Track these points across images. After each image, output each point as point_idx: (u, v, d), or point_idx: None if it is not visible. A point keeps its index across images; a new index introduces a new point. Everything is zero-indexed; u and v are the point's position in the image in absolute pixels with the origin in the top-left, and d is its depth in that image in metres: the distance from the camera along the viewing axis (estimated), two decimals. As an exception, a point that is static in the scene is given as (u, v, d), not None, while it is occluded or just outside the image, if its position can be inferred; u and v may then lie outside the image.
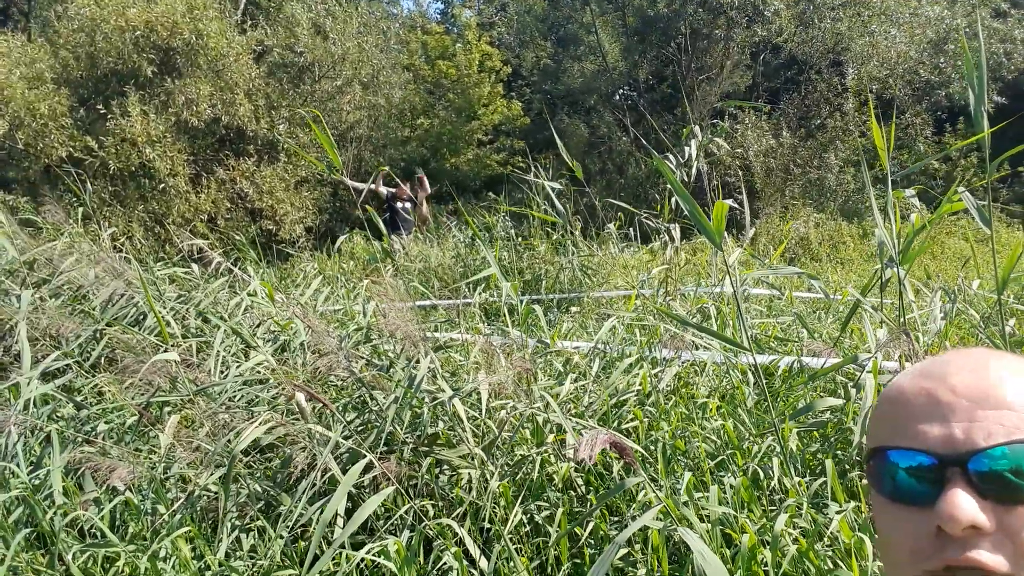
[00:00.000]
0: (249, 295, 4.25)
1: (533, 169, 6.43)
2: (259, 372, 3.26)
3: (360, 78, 12.43)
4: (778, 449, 2.39)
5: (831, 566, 1.89)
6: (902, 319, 2.76)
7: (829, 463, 2.17)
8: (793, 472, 2.29)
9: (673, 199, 5.61)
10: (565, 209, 5.90)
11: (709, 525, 2.02)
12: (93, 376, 3.38)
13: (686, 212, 2.10)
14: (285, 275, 8.00)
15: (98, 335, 3.66)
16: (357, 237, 9.89)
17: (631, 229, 7.85)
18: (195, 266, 4.92)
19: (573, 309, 5.28)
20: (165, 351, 3.05)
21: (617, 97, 17.02)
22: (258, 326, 3.96)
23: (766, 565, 1.89)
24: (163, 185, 9.40)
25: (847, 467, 2.41)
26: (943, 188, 12.42)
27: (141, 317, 3.97)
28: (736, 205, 3.47)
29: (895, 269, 2.70)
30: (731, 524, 2.08)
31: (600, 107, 16.82)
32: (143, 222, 9.42)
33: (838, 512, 1.99)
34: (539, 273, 6.20)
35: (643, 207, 7.37)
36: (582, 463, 2.48)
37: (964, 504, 0.52)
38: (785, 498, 2.18)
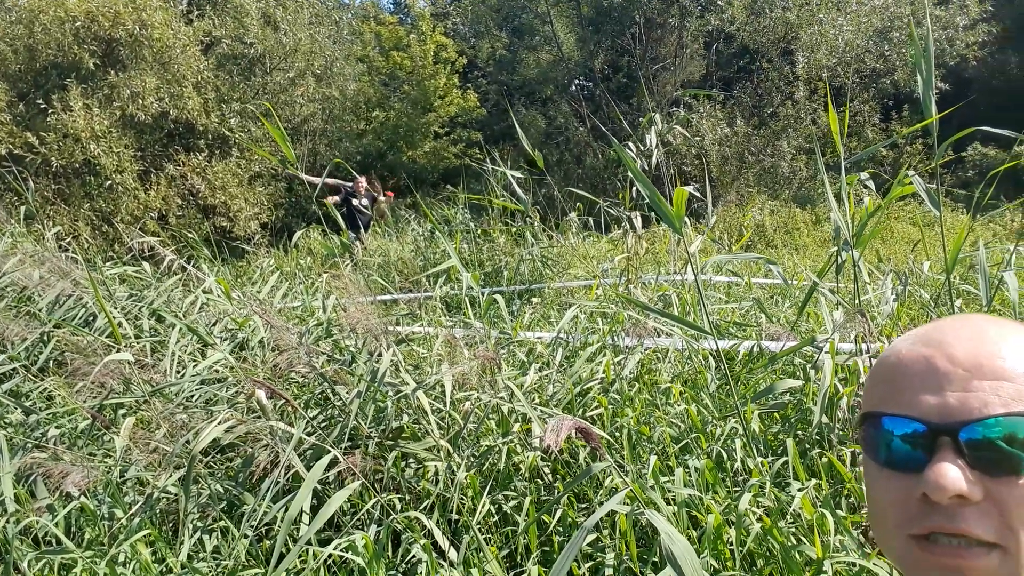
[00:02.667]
0: (204, 293, 4.15)
1: (491, 160, 6.41)
2: (217, 371, 3.19)
3: (313, 70, 12.21)
4: (741, 431, 2.42)
5: (794, 542, 1.93)
6: (857, 300, 2.83)
7: (790, 442, 2.21)
8: (756, 453, 2.33)
9: (634, 188, 5.65)
10: (525, 198, 5.90)
11: (675, 507, 2.04)
12: (42, 380, 3.26)
13: (646, 198, 2.11)
14: (241, 272, 7.84)
15: (45, 337, 3.53)
16: (314, 232, 9.75)
17: (590, 219, 7.89)
18: (146, 265, 4.79)
19: (535, 300, 5.29)
20: (118, 352, 2.96)
21: (573, 88, 17.06)
22: (215, 324, 3.87)
23: (731, 544, 1.92)
24: (110, 182, 9.11)
25: (807, 446, 2.46)
26: (891, 174, 12.77)
27: (91, 318, 3.85)
28: (696, 193, 3.50)
29: (850, 252, 2.76)
30: (697, 506, 2.11)
31: (556, 97, 16.84)
32: (89, 221, 9.13)
33: (800, 490, 2.03)
34: (500, 265, 6.19)
35: (602, 197, 7.41)
36: (549, 451, 2.49)
37: (951, 474, 0.52)
38: (748, 478, 2.21)
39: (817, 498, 2.07)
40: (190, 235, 7.59)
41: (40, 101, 8.79)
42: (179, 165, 10.12)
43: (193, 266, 5.50)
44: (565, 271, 6.22)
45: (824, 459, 2.30)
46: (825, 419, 2.45)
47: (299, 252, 8.73)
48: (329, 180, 9.00)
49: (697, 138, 12.54)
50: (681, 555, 1.54)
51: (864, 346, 2.76)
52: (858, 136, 13.55)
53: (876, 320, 3.35)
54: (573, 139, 15.73)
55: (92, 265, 4.84)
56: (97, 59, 9.16)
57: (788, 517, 2.03)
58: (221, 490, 2.46)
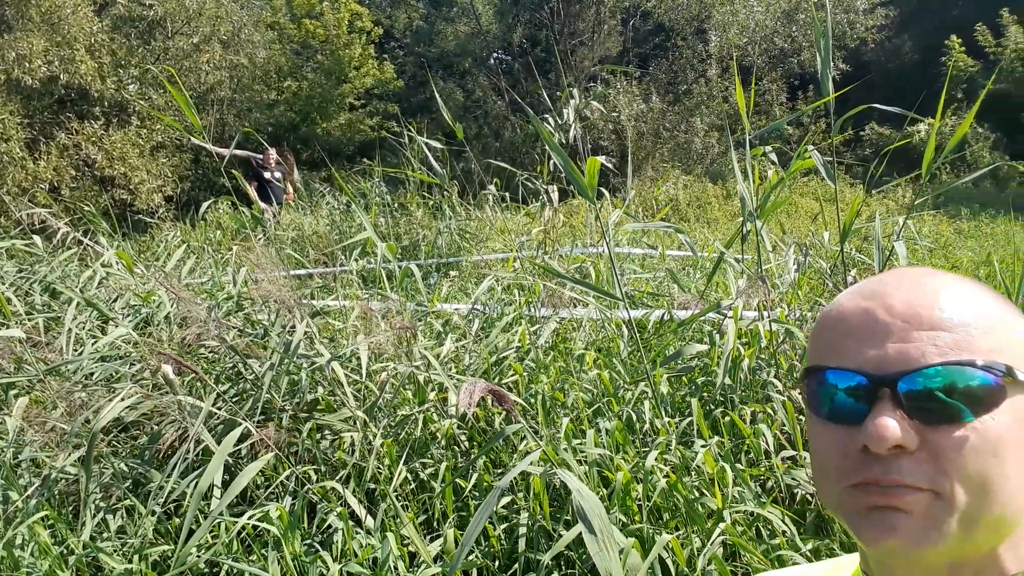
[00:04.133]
0: (103, 267, 3.95)
1: (409, 132, 6.32)
2: (119, 347, 3.06)
3: (219, 35, 11.64)
4: (650, 394, 2.52)
5: (697, 495, 2.03)
6: (760, 268, 2.96)
7: (695, 403, 2.32)
8: (663, 414, 2.43)
9: (551, 161, 5.70)
10: (443, 171, 5.86)
11: (587, 467, 2.11)
12: (-79, 360, 3.03)
13: (560, 167, 2.15)
14: (144, 248, 7.48)
15: (-76, 315, 3.29)
16: (223, 205, 9.37)
17: (508, 194, 7.91)
18: (38, 239, 4.50)
19: (452, 273, 5.28)
20: (7, 329, 2.79)
21: (492, 61, 16.96)
22: (116, 300, 3.69)
23: (639, 499, 2.01)
24: (-6, 151, 8.48)
25: (712, 407, 2.58)
26: (796, 151, 13.35)
27: (-24, 295, 3.60)
28: (608, 165, 3.57)
29: (754, 222, 2.88)
30: (607, 465, 2.18)
31: (475, 71, 16.71)
32: (-29, 193, 8.48)
33: (703, 447, 2.14)
34: (417, 239, 6.14)
35: (520, 171, 7.44)
36: (464, 417, 2.52)
37: (891, 424, 0.53)
38: (656, 438, 2.31)
39: (719, 454, 2.18)
40: (86, 207, 7.16)
41: (-88, 62, 8.06)
42: (72, 133, 9.50)
43: (91, 240, 5.20)
44: (483, 244, 6.23)
45: (727, 418, 2.42)
46: (728, 380, 2.57)
47: (207, 226, 8.39)
48: (238, 152, 8.65)
49: (614, 114, 12.73)
50: (591, 510, 1.60)
51: (766, 312, 2.90)
52: (766, 115, 14.07)
53: (779, 288, 3.53)
54: (491, 113, 15.69)
55: (-24, 239, 4.51)
56: (-23, 18, 8.46)
57: (692, 473, 2.13)
58: (126, 469, 2.37)
